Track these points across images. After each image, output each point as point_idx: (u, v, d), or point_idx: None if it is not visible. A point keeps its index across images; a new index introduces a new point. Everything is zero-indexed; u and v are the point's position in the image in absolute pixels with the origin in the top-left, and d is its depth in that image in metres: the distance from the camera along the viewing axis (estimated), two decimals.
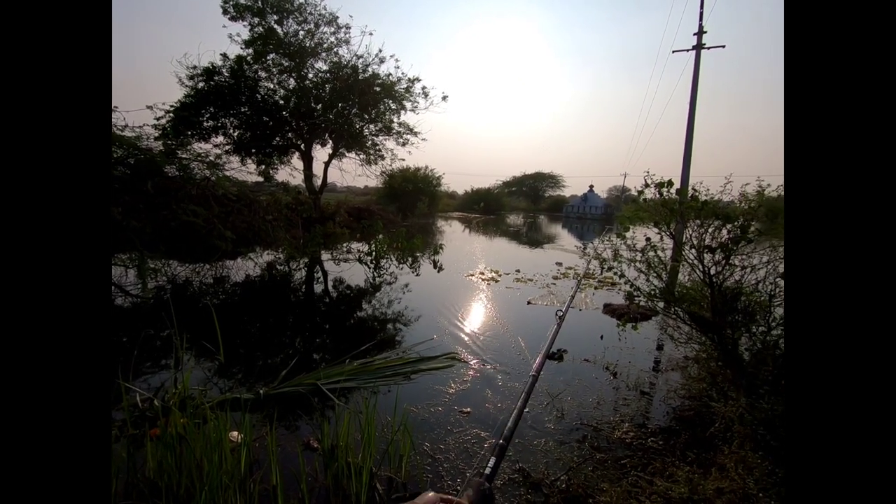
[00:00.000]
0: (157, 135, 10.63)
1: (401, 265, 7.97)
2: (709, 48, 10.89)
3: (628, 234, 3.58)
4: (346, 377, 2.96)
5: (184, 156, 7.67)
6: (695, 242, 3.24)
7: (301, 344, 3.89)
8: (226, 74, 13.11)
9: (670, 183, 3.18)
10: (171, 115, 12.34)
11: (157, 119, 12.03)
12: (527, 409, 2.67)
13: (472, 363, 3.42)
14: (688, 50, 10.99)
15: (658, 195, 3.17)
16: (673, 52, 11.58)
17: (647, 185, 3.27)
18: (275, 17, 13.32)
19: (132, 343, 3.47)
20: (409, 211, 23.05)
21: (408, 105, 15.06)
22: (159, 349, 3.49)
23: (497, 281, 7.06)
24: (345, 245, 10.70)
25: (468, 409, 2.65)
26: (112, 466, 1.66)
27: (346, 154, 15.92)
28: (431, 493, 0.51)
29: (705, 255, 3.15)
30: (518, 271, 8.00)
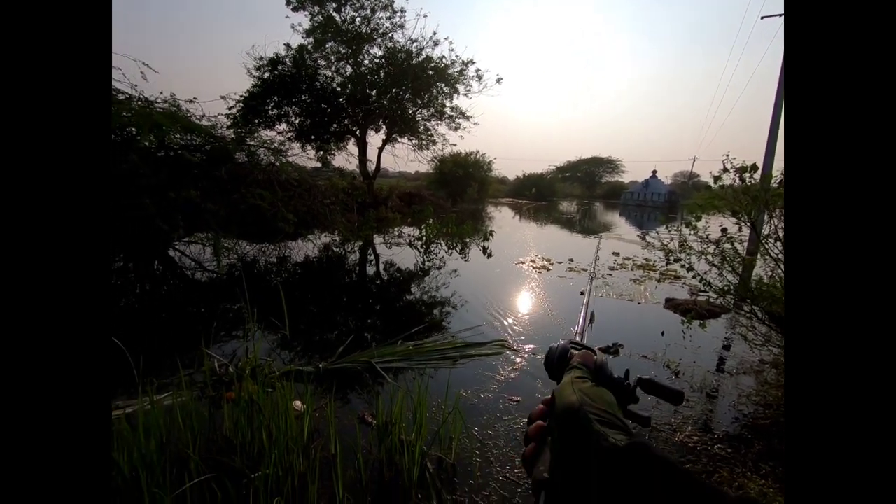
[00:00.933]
0: (228, 123, 11.52)
1: (450, 250, 8.02)
2: None
3: (700, 224, 3.27)
4: (399, 357, 3.06)
5: (252, 143, 8.23)
6: (780, 235, 2.89)
7: (355, 323, 4.07)
8: (289, 63, 13.77)
9: (754, 167, 2.84)
10: (241, 104, 13.24)
11: (230, 108, 12.99)
12: None
13: (521, 352, 3.37)
14: (779, 15, 9.63)
15: (739, 181, 2.85)
16: (762, 17, 10.24)
17: (725, 170, 2.95)
18: (333, 5, 13.67)
19: (211, 314, 3.85)
20: (459, 196, 23.02)
21: (461, 88, 14.89)
22: (232, 321, 3.83)
23: (548, 270, 6.86)
24: (396, 229, 10.97)
25: (518, 398, 2.62)
26: (195, 424, 1.85)
27: (399, 139, 16.16)
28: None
29: None
30: (571, 260, 7.72)
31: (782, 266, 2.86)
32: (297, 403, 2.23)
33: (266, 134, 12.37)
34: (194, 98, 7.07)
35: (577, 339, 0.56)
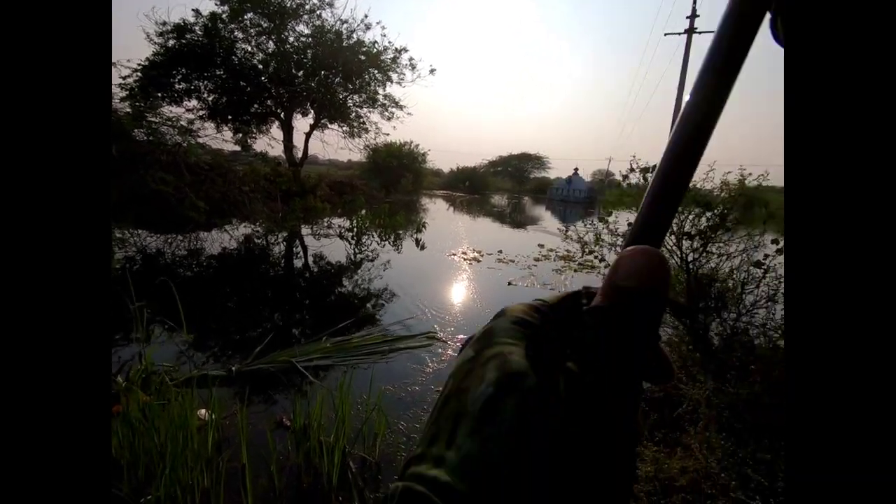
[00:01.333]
0: (123, 95, 9.96)
1: (382, 242, 7.86)
2: (700, 33, 10.83)
3: (611, 219, 3.59)
4: (323, 354, 2.92)
5: (153, 119, 7.23)
6: (674, 229, 3.27)
7: (278, 320, 3.80)
8: (199, 33, 12.28)
9: (655, 168, 3.16)
10: (139, 73, 11.53)
11: (123, 78, 11.24)
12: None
13: (450, 343, 3.42)
14: (679, 33, 10.90)
15: (643, 180, 3.16)
16: (665, 34, 11.47)
17: (632, 170, 3.26)
18: None
19: None
20: (393, 187, 22.67)
21: (394, 77, 14.56)
22: (127, 323, 3.34)
23: (479, 261, 7.06)
24: (325, 220, 10.46)
25: None
26: None
27: (329, 125, 15.37)
28: None
29: (684, 241, 3.19)
30: (500, 252, 8.02)
31: (676, 256, 3.25)
32: (203, 412, 2.01)
33: (172, 110, 10.96)
34: None
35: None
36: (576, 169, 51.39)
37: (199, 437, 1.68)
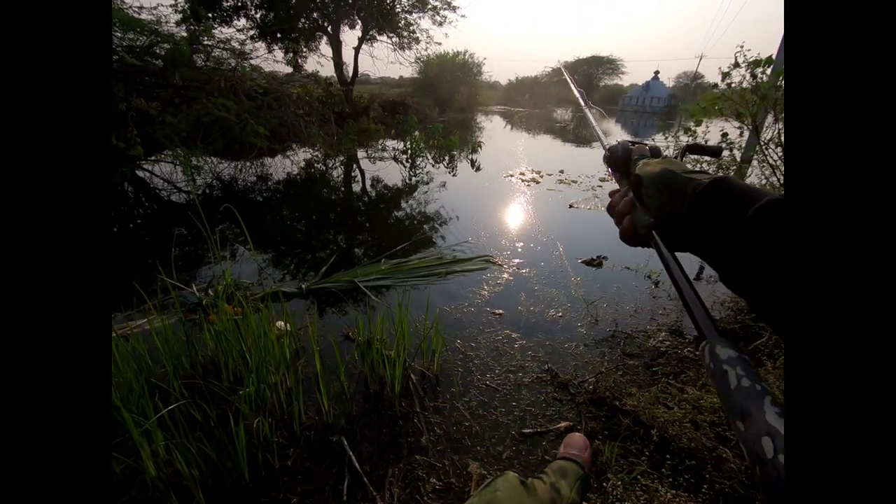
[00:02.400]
0: (177, 18, 9.94)
1: (437, 164, 7.67)
2: None
3: (699, 129, 3.05)
4: (382, 275, 3.04)
5: (207, 42, 7.20)
6: (781, 139, 2.71)
7: (341, 241, 3.99)
8: None
9: (770, 60, 2.52)
10: None
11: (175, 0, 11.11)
12: (559, 314, 2.66)
13: (506, 267, 3.38)
14: None
15: (751, 78, 2.56)
16: None
17: (736, 65, 2.63)
18: None
19: (186, 237, 3.71)
20: (447, 104, 21.46)
21: None
22: (207, 246, 3.71)
23: (538, 182, 6.67)
24: (380, 142, 10.34)
25: (500, 311, 2.68)
26: (177, 346, 1.85)
27: (378, 38, 14.36)
28: None
29: None
30: (562, 172, 7.48)
31: (780, 173, 2.74)
32: (280, 324, 2.23)
33: (223, 31, 10.84)
34: None
35: (630, 138, 0.69)
36: (656, 72, 44.33)
37: (279, 345, 1.87)
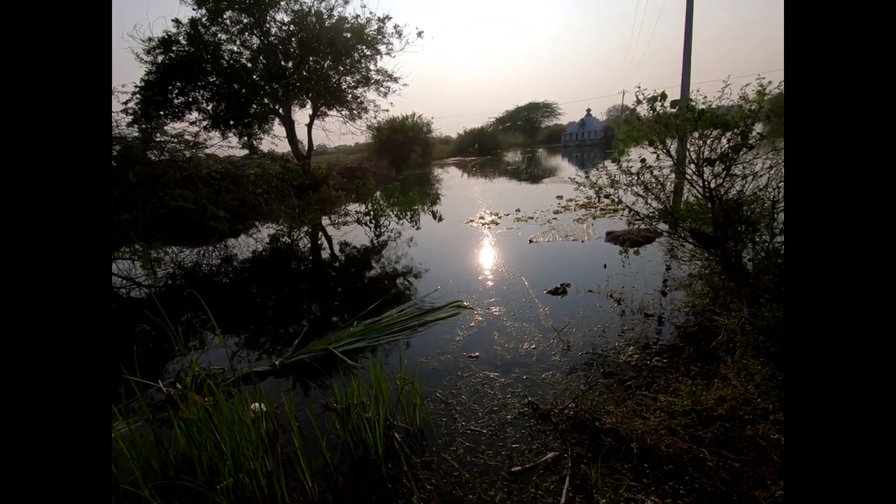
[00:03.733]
0: (129, 120, 10.19)
1: (400, 220, 7.91)
2: None
3: (625, 158, 3.42)
4: (356, 338, 3.05)
5: (161, 138, 7.40)
6: (693, 157, 3.09)
7: (314, 310, 3.97)
8: (184, 42, 12.21)
9: (663, 96, 2.96)
10: (138, 95, 11.71)
11: (125, 103, 11.45)
12: (533, 346, 2.75)
13: (478, 309, 3.47)
14: None
15: (651, 111, 2.97)
16: None
17: (638, 102, 3.06)
18: None
19: (147, 334, 3.58)
20: (403, 163, 22.45)
21: (382, 48, 14.04)
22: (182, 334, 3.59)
23: (497, 224, 6.99)
24: (342, 207, 10.58)
25: (477, 353, 2.73)
26: (145, 449, 1.76)
27: (328, 112, 15.19)
28: None
29: (705, 168, 3.02)
30: (518, 210, 7.89)
31: (698, 185, 3.09)
32: (255, 405, 2.18)
33: (176, 126, 11.14)
34: None
35: None
36: (588, 110, 48.71)
37: (255, 428, 1.83)
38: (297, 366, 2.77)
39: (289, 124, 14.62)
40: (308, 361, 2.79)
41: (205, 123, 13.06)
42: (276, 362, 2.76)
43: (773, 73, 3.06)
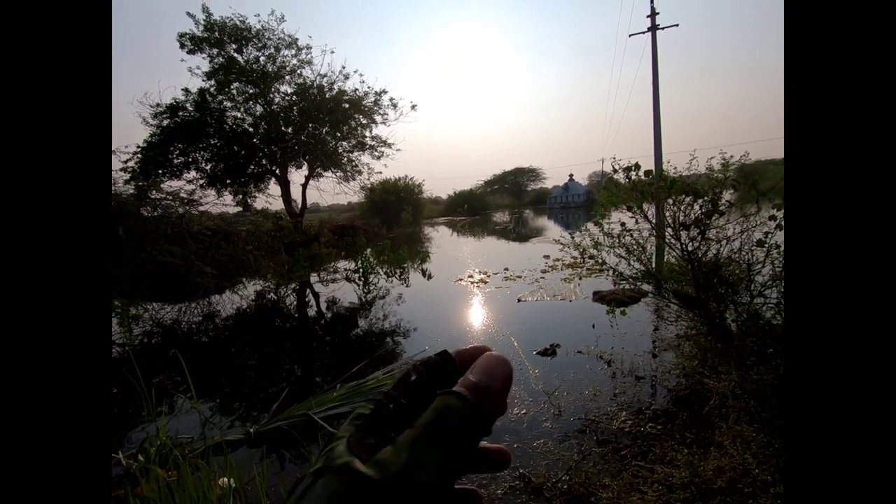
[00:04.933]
0: (126, 178, 10.45)
1: (389, 278, 7.91)
2: (663, 28, 11.13)
3: (607, 221, 3.59)
4: (339, 402, 2.90)
5: (156, 196, 7.55)
6: (670, 221, 3.27)
7: (296, 371, 3.80)
8: (190, 109, 12.97)
9: (637, 166, 3.20)
10: (139, 155, 12.13)
11: (125, 162, 11.81)
12: (523, 411, 2.65)
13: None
14: (643, 32, 11.21)
15: (627, 180, 3.19)
16: (630, 35, 11.81)
17: (615, 171, 3.29)
18: (234, 46, 13.25)
19: (116, 398, 3.36)
20: (394, 222, 22.99)
21: (378, 118, 15.07)
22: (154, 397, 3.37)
23: (486, 282, 7.04)
24: (332, 265, 10.59)
25: None
26: None
27: (323, 174, 15.83)
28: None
29: (681, 232, 3.18)
30: (506, 269, 8.00)
31: (677, 248, 3.23)
32: (224, 480, 2.00)
33: (173, 184, 11.43)
34: None
35: None
36: (571, 175, 51.76)
37: None
38: (273, 433, 2.59)
39: (284, 184, 15.11)
40: (286, 429, 2.62)
41: (202, 182, 13.43)
42: (251, 430, 2.58)
43: (733, 147, 3.37)
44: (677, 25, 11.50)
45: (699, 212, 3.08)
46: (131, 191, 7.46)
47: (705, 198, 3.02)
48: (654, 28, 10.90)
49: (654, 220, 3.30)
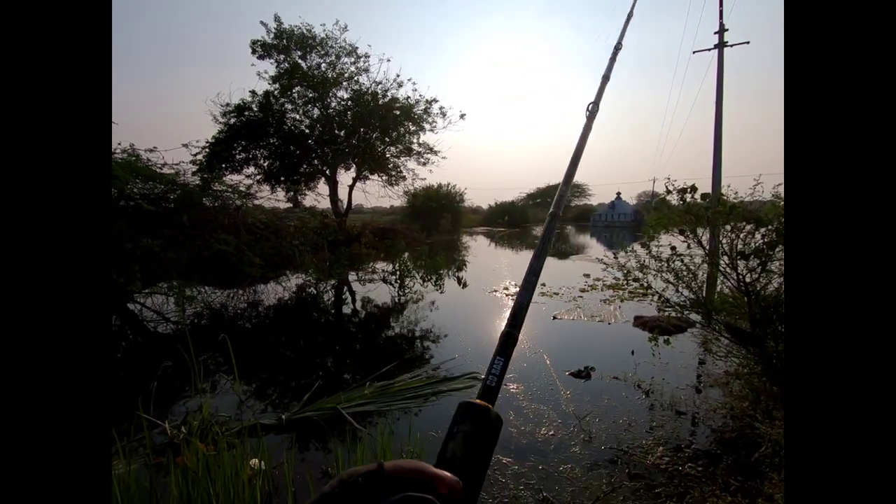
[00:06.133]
0: (194, 170, 11.38)
1: (425, 283, 7.99)
2: (732, 45, 10.52)
3: (655, 244, 3.42)
4: (367, 400, 2.95)
5: (218, 188, 8.14)
6: (726, 249, 3.05)
7: (329, 365, 3.93)
8: (255, 109, 13.93)
9: (693, 188, 3.03)
10: (207, 150, 13.17)
11: (194, 155, 12.85)
12: (551, 433, 2.56)
13: None
14: (709, 49, 10.65)
15: (681, 202, 3.03)
16: (693, 52, 11.27)
17: (668, 192, 3.14)
18: (299, 53, 14.11)
19: (166, 371, 3.63)
20: (434, 228, 23.24)
21: (426, 126, 15.39)
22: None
23: None
24: (370, 265, 10.88)
25: None
26: (138, 496, 1.70)
27: (370, 177, 16.36)
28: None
29: (739, 261, 2.96)
30: (543, 285, 7.82)
31: (732, 278, 3.00)
32: (255, 461, 2.09)
33: (233, 178, 12.27)
34: (154, 147, 7.00)
35: None
36: (618, 193, 49.95)
37: (250, 488, 1.74)
38: (303, 422, 2.68)
39: (332, 184, 15.78)
40: (315, 419, 2.70)
41: (259, 177, 14.34)
42: (283, 417, 2.69)
43: None
44: (748, 42, 10.83)
45: (761, 241, 2.86)
46: (197, 182, 8.07)
47: (769, 227, 2.80)
48: (721, 45, 10.32)
49: (707, 247, 3.09)
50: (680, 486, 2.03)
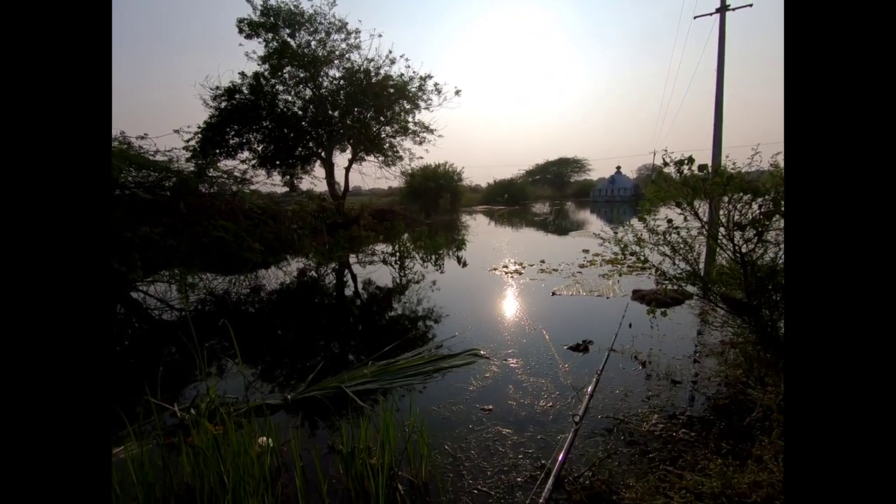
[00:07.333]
0: (188, 156, 11.25)
1: (425, 263, 8.02)
2: (734, 9, 10.17)
3: (652, 217, 3.42)
4: (369, 379, 3.02)
5: (213, 174, 8.07)
6: (723, 221, 3.05)
7: (331, 346, 4.00)
8: (245, 92, 13.63)
9: (690, 160, 3.00)
10: (199, 135, 12.97)
11: (187, 141, 12.66)
12: (549, 404, 2.63)
13: (494, 359, 3.39)
14: (711, 14, 10.31)
15: (678, 174, 3.01)
16: (695, 17, 10.91)
17: (665, 165, 3.11)
18: (287, 31, 13.68)
19: (173, 357, 3.70)
20: (432, 208, 23.14)
21: (421, 104, 15.09)
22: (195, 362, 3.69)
23: (521, 273, 6.96)
24: (370, 247, 10.90)
25: (490, 407, 2.63)
26: (152, 474, 1.78)
27: (366, 158, 16.16)
28: None
29: (735, 232, 2.96)
30: (542, 262, 7.85)
31: (728, 249, 3.02)
32: (262, 439, 2.17)
33: (228, 164, 12.14)
34: (145, 134, 6.90)
35: None
36: (618, 167, 49.39)
37: (259, 464, 1.81)
38: (308, 402, 2.76)
39: (329, 166, 15.60)
40: (319, 398, 2.78)
41: (253, 162, 14.17)
42: (289, 396, 2.76)
43: None
44: (751, 5, 10.46)
45: (757, 211, 2.86)
46: (192, 168, 7.99)
47: (766, 196, 2.79)
48: (723, 9, 9.98)
49: (705, 219, 3.09)
50: (673, 451, 2.10)
